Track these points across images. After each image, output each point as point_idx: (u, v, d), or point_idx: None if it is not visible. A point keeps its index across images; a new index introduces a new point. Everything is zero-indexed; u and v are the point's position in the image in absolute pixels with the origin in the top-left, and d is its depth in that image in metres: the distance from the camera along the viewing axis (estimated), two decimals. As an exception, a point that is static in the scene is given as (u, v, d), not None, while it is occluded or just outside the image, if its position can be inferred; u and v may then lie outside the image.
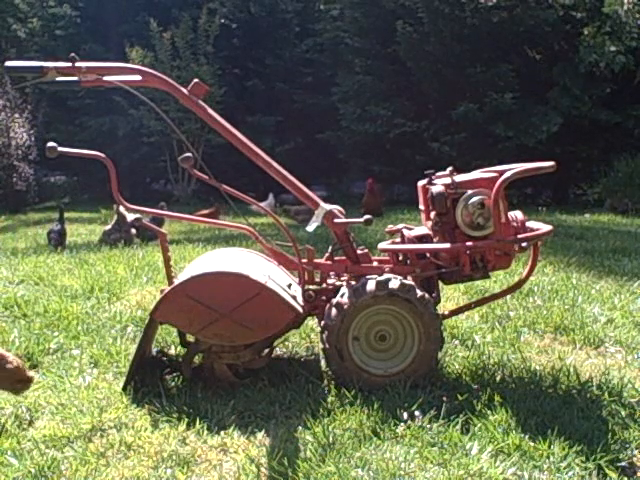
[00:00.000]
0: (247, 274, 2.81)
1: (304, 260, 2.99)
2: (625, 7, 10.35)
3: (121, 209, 6.85)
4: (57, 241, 6.81)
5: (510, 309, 4.01)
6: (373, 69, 12.64)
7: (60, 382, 2.98)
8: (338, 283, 3.03)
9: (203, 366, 2.94)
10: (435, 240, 2.96)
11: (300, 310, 2.89)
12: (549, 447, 2.29)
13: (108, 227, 7.09)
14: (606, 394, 2.73)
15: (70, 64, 2.77)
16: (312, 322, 3.49)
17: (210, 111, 2.86)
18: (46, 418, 2.64)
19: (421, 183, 3.03)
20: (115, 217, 7.02)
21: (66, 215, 7.26)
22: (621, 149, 11.27)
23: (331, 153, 13.59)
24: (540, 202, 11.55)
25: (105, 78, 2.84)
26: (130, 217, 6.97)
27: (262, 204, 11.08)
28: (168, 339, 3.47)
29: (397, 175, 12.30)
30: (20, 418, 2.65)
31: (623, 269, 5.24)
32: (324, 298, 2.95)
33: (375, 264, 3.01)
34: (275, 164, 2.91)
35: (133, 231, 6.97)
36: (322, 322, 2.82)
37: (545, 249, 5.94)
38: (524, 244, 2.91)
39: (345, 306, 2.74)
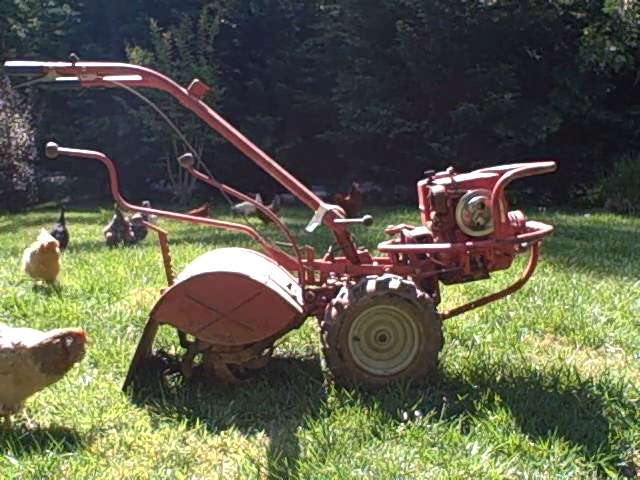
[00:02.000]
0: (247, 274, 2.81)
1: (304, 260, 2.99)
2: (625, 7, 10.34)
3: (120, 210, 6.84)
4: (62, 242, 6.80)
5: (510, 309, 4.01)
6: (373, 69, 12.63)
7: (60, 382, 2.98)
8: (338, 283, 3.03)
9: (203, 366, 2.94)
10: (435, 240, 2.96)
11: (300, 310, 2.89)
12: (549, 447, 2.29)
13: (107, 227, 7.08)
14: (606, 394, 2.73)
15: (70, 64, 2.77)
16: (312, 322, 3.49)
17: (210, 111, 2.86)
18: (46, 418, 2.64)
19: (421, 183, 3.04)
20: (114, 216, 7.01)
21: (66, 215, 7.25)
22: (621, 149, 11.26)
23: (331, 153, 13.56)
24: (540, 202, 11.54)
25: (105, 78, 2.84)
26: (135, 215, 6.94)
27: (243, 203, 11.00)
28: (168, 339, 3.47)
29: (397, 175, 12.28)
30: (20, 418, 2.66)
31: (623, 269, 5.24)
32: (324, 298, 2.95)
33: (375, 264, 3.01)
34: (275, 164, 2.91)
35: (132, 234, 6.96)
36: (322, 322, 2.82)
37: (545, 249, 5.94)
38: (524, 244, 2.92)
39: (345, 306, 2.74)
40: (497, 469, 2.17)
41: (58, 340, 2.52)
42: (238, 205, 8.98)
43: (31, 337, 2.56)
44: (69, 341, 2.53)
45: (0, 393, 2.47)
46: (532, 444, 2.33)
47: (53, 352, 2.51)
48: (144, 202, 7.27)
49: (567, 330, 3.63)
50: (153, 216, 7.20)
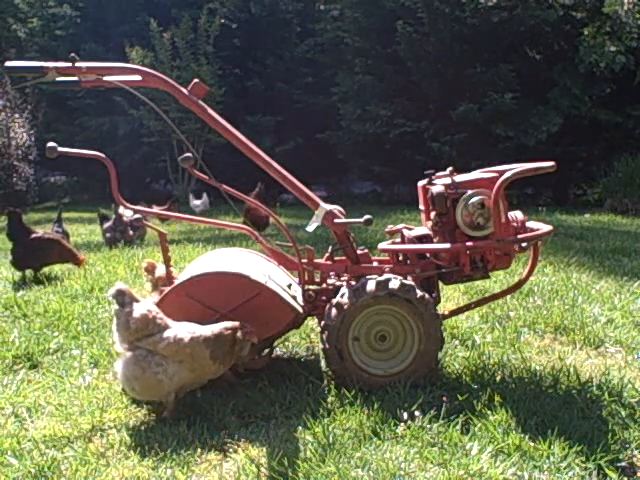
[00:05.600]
0: (247, 274, 2.81)
1: (304, 260, 2.99)
2: (625, 7, 10.35)
3: (120, 209, 6.84)
4: None
5: (510, 309, 4.01)
6: (373, 69, 12.64)
7: (60, 382, 2.98)
8: (338, 283, 3.03)
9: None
10: (435, 240, 2.96)
11: (300, 310, 2.90)
12: (549, 447, 2.29)
13: (106, 225, 7.07)
14: (606, 394, 2.73)
15: (70, 64, 2.77)
16: (312, 322, 3.49)
17: (210, 111, 2.86)
18: (46, 418, 2.64)
19: (421, 183, 3.04)
20: (113, 216, 7.01)
21: (66, 215, 7.25)
22: (621, 149, 11.27)
23: (331, 153, 13.58)
24: (540, 202, 11.55)
25: (105, 78, 2.84)
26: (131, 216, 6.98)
27: (197, 202, 11.12)
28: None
29: (397, 175, 12.30)
30: (20, 418, 2.66)
31: (623, 269, 5.24)
32: (324, 298, 2.95)
33: (375, 264, 3.01)
34: (275, 164, 2.91)
35: (131, 232, 6.96)
36: (322, 322, 2.82)
37: (545, 249, 5.94)
38: (524, 244, 2.91)
39: (345, 306, 2.74)
40: (497, 469, 2.17)
41: (229, 331, 2.64)
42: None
43: (204, 327, 2.66)
44: (239, 334, 2.66)
45: (176, 381, 2.55)
46: (532, 444, 2.33)
47: (223, 342, 2.62)
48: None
49: (567, 330, 3.63)
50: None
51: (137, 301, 2.63)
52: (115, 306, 2.62)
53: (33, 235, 5.19)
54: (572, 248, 6.20)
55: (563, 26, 11.67)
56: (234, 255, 3.32)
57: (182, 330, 2.62)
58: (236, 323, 2.69)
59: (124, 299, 2.60)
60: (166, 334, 2.58)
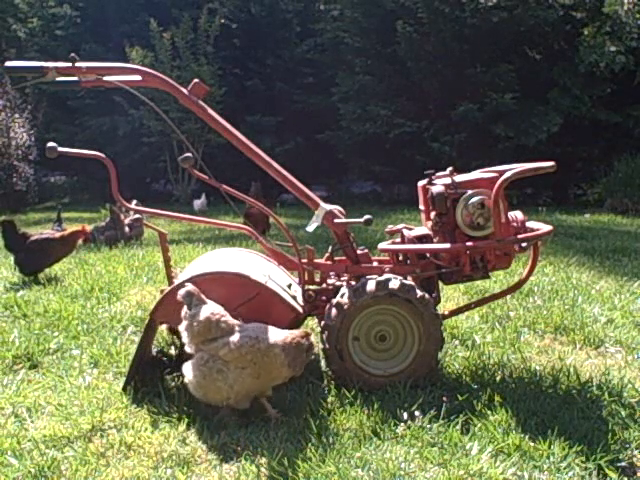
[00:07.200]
0: (247, 274, 2.81)
1: (304, 260, 2.99)
2: (625, 7, 10.34)
3: (116, 208, 6.84)
4: None
5: (510, 309, 4.01)
6: (373, 69, 12.62)
7: (60, 382, 2.98)
8: (338, 283, 3.03)
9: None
10: (435, 240, 2.96)
11: (300, 310, 2.90)
12: (549, 447, 2.29)
13: (101, 224, 7.06)
14: (606, 394, 2.73)
15: (70, 64, 2.78)
16: (312, 322, 3.49)
17: (210, 111, 2.86)
18: (46, 418, 2.64)
19: (421, 183, 3.04)
20: (109, 215, 7.01)
21: (66, 215, 7.25)
22: (621, 149, 11.26)
23: (331, 153, 13.56)
24: (540, 202, 11.54)
25: (105, 78, 2.85)
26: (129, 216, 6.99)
27: (197, 201, 11.01)
28: (168, 339, 3.47)
29: (397, 175, 12.28)
30: (20, 418, 2.65)
31: (623, 269, 5.24)
32: (324, 298, 2.96)
33: (375, 264, 3.01)
34: (275, 164, 2.91)
35: (127, 229, 6.96)
36: (322, 322, 2.82)
37: (545, 249, 5.94)
38: (524, 244, 2.92)
39: (345, 306, 2.74)
40: (497, 469, 2.17)
41: (303, 339, 2.60)
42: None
43: (274, 332, 2.61)
44: (309, 342, 2.62)
45: (237, 388, 2.51)
46: (532, 444, 2.33)
47: (300, 350, 2.58)
48: (134, 201, 7.25)
49: (567, 330, 3.63)
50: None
51: (205, 303, 2.60)
52: (185, 308, 2.60)
53: (30, 239, 5.18)
54: (572, 248, 6.20)
55: (563, 26, 11.65)
56: (234, 255, 3.32)
57: (245, 335, 2.55)
58: (306, 331, 2.67)
59: (192, 300, 2.58)
60: (228, 339, 2.53)
